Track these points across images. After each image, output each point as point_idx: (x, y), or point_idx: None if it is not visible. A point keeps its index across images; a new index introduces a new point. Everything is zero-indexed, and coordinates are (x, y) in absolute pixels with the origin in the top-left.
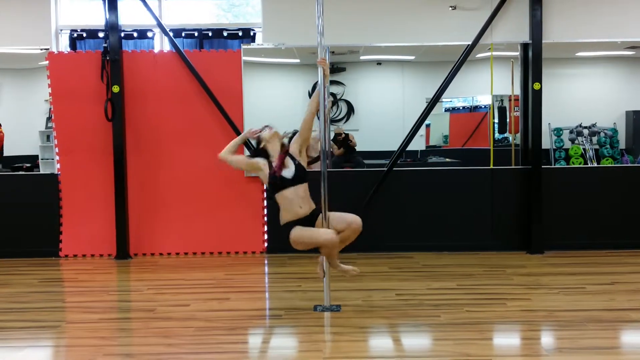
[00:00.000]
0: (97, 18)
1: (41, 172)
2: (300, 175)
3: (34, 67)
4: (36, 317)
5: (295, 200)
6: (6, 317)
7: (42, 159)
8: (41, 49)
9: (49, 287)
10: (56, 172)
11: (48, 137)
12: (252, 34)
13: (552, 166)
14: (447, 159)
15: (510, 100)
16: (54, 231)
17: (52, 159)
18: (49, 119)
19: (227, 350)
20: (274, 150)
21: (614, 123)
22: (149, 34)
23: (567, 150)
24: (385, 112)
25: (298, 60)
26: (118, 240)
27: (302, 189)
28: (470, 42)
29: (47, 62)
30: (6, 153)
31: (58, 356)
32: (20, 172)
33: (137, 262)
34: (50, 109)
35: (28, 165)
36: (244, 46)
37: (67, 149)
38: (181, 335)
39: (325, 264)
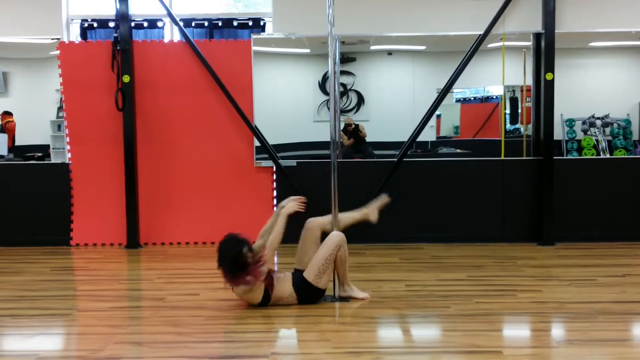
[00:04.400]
0: (107, 8)
1: (52, 161)
2: None
3: (45, 56)
4: (47, 305)
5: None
6: (18, 304)
7: (53, 149)
8: (52, 39)
9: (60, 275)
10: (67, 161)
11: (59, 126)
12: (262, 23)
13: (564, 157)
14: (458, 150)
15: (522, 90)
16: (65, 220)
17: (63, 149)
18: (59, 108)
19: (236, 340)
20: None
21: (628, 114)
22: (159, 24)
23: (579, 141)
24: (395, 102)
25: (308, 50)
26: (128, 229)
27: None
28: (482, 32)
29: (58, 51)
30: (17, 142)
31: (69, 343)
32: (32, 162)
33: (147, 251)
34: (61, 98)
35: (39, 154)
36: (254, 36)
37: (78, 139)
38: (191, 324)
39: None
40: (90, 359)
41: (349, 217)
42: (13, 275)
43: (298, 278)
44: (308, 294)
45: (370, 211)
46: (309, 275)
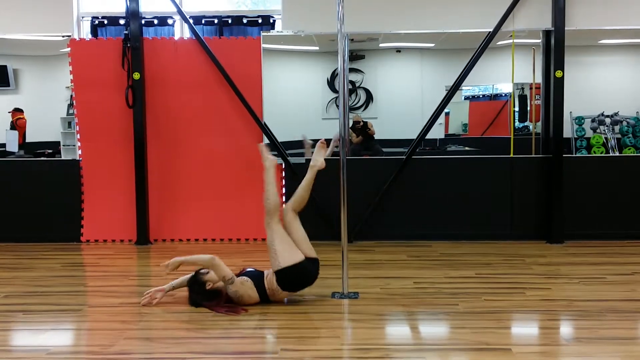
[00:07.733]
0: (118, 5)
1: (63, 158)
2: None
3: (55, 54)
4: (58, 300)
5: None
6: (30, 300)
7: (63, 145)
8: (63, 36)
9: (71, 271)
10: (78, 158)
11: (69, 123)
12: (271, 21)
13: (573, 155)
14: (467, 148)
15: (531, 88)
16: (75, 216)
17: (74, 145)
18: (70, 105)
19: (245, 335)
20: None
21: (637, 112)
22: (169, 21)
23: (588, 139)
24: (404, 100)
25: (317, 48)
26: (138, 225)
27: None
28: (491, 29)
29: (68, 49)
30: (28, 139)
31: (80, 339)
32: (43, 158)
33: (157, 247)
34: (71, 95)
35: (50, 151)
36: (263, 33)
37: (89, 136)
38: (200, 320)
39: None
40: (101, 355)
41: (303, 184)
42: (24, 271)
43: (276, 274)
44: (286, 280)
45: (313, 162)
46: (273, 266)
